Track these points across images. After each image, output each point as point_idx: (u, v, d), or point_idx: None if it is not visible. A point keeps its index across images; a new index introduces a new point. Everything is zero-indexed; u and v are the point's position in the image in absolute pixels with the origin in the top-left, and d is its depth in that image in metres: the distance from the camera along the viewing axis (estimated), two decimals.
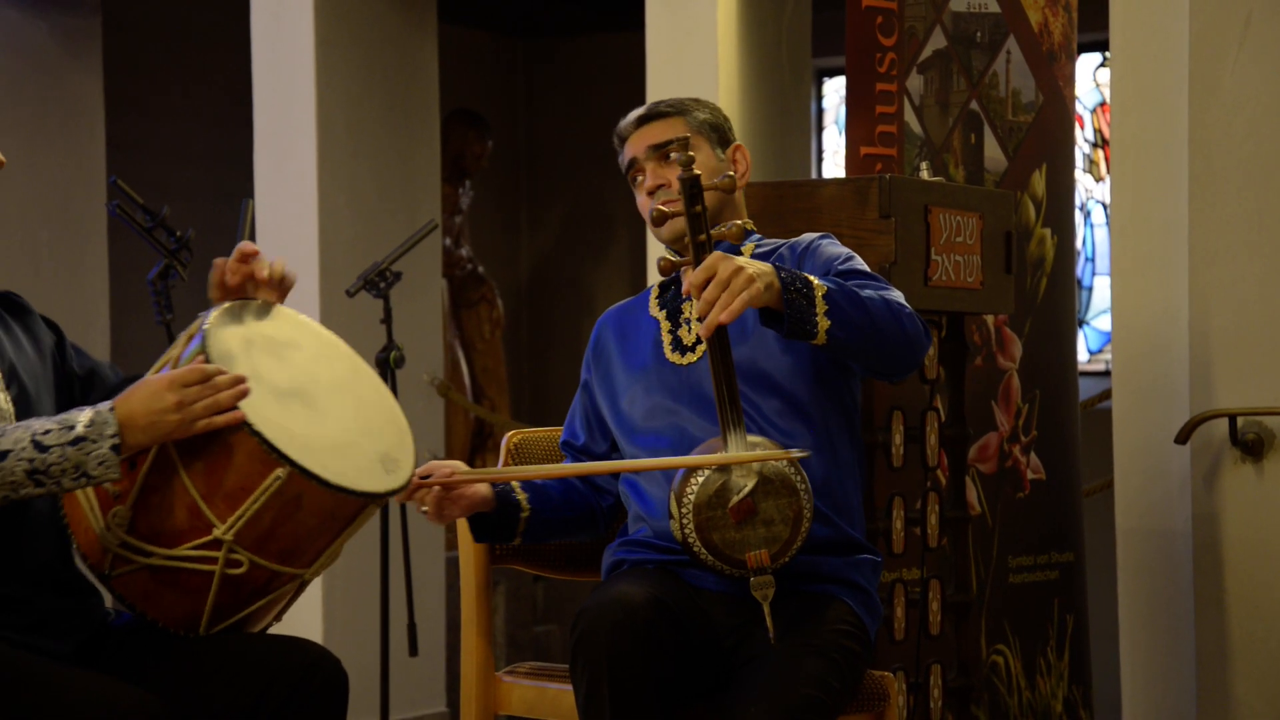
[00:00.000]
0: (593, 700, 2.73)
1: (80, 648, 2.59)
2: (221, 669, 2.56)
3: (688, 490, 2.76)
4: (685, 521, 2.76)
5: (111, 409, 2.47)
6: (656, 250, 4.74)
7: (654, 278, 4.69)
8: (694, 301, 2.79)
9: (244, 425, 2.48)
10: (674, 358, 3.02)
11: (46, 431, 2.45)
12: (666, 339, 3.05)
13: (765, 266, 2.73)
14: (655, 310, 3.10)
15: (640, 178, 3.06)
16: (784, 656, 2.78)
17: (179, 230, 4.05)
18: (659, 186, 3.03)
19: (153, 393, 2.49)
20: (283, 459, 2.48)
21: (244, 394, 2.50)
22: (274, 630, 2.72)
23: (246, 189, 5.40)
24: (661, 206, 2.90)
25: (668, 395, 3.01)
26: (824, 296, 2.76)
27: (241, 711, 2.54)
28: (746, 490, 2.76)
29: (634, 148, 3.07)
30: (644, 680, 2.73)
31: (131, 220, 4.06)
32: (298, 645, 2.60)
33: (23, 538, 2.57)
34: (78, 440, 2.44)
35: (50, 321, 2.81)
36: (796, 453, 2.79)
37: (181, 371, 2.49)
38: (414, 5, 5.70)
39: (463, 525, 3.19)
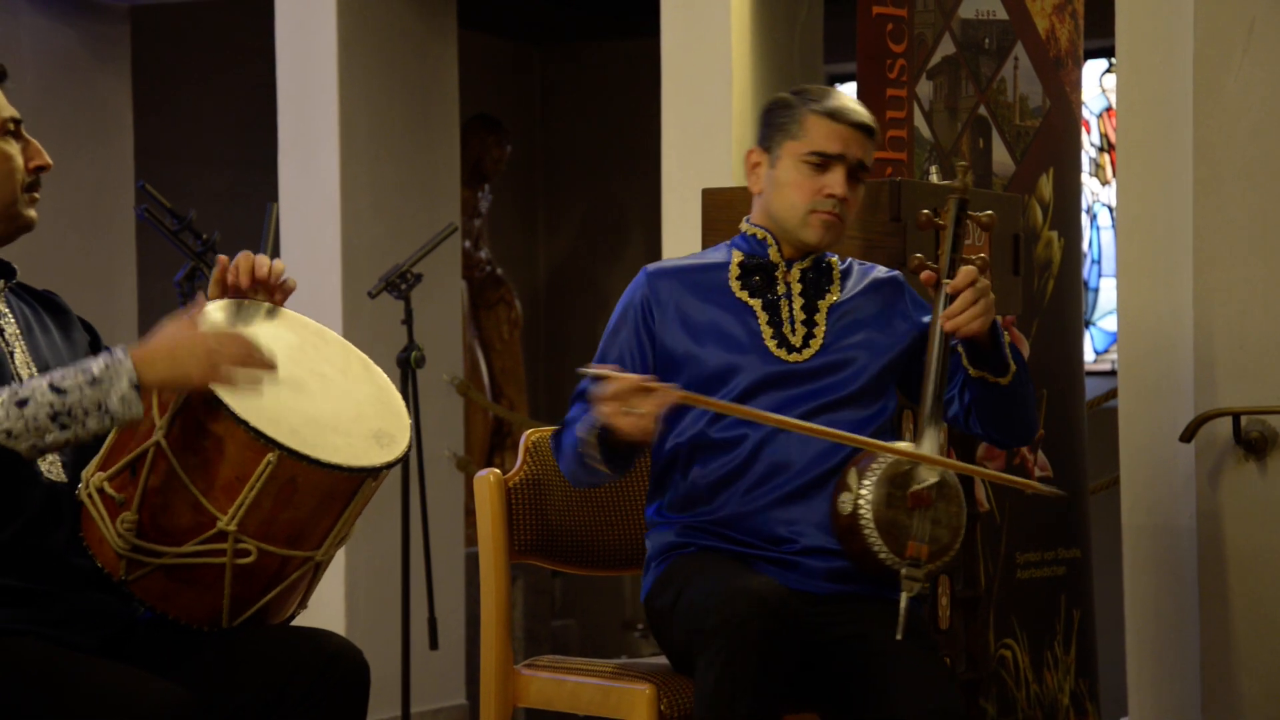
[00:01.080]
0: (726, 683, 2.69)
1: (106, 641, 2.59)
2: (246, 661, 2.56)
3: (873, 466, 2.83)
4: (863, 494, 2.82)
5: (125, 350, 2.47)
6: (673, 252, 4.74)
7: None
8: (940, 298, 2.89)
9: (231, 416, 2.47)
10: (779, 353, 3.00)
11: (64, 377, 2.45)
12: (767, 331, 3.01)
13: None
14: (741, 293, 3.04)
15: (827, 171, 2.99)
16: (919, 659, 2.81)
17: (205, 233, 4.06)
18: (843, 200, 3.00)
19: (177, 333, 2.48)
20: (271, 444, 2.47)
21: (271, 366, 2.49)
22: (300, 618, 2.71)
23: (271, 193, 5.40)
24: (938, 220, 2.97)
25: (767, 387, 2.98)
26: (1009, 345, 2.93)
27: (265, 702, 2.54)
28: (930, 483, 2.84)
29: (848, 146, 2.99)
30: (782, 673, 2.73)
31: (159, 223, 4.07)
32: (321, 637, 2.60)
33: (48, 535, 2.57)
34: (95, 380, 2.44)
35: (87, 323, 2.81)
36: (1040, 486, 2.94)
37: (223, 331, 2.51)
38: (434, 12, 5.70)
39: (484, 521, 3.19)
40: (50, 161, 2.67)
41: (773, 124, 3.05)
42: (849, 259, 3.13)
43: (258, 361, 2.49)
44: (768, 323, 3.01)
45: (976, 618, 3.73)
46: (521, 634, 6.65)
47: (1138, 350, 4.07)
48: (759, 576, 2.79)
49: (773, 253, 3.05)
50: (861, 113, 3.04)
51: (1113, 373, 6.66)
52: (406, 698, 4.73)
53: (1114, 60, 4.46)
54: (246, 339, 2.51)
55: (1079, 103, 4.43)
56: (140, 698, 2.39)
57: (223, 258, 2.68)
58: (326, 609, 5.27)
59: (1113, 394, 5.09)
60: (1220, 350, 3.90)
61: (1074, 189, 4.43)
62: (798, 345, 3.00)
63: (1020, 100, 4.24)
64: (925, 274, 2.91)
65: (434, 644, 4.76)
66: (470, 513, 5.90)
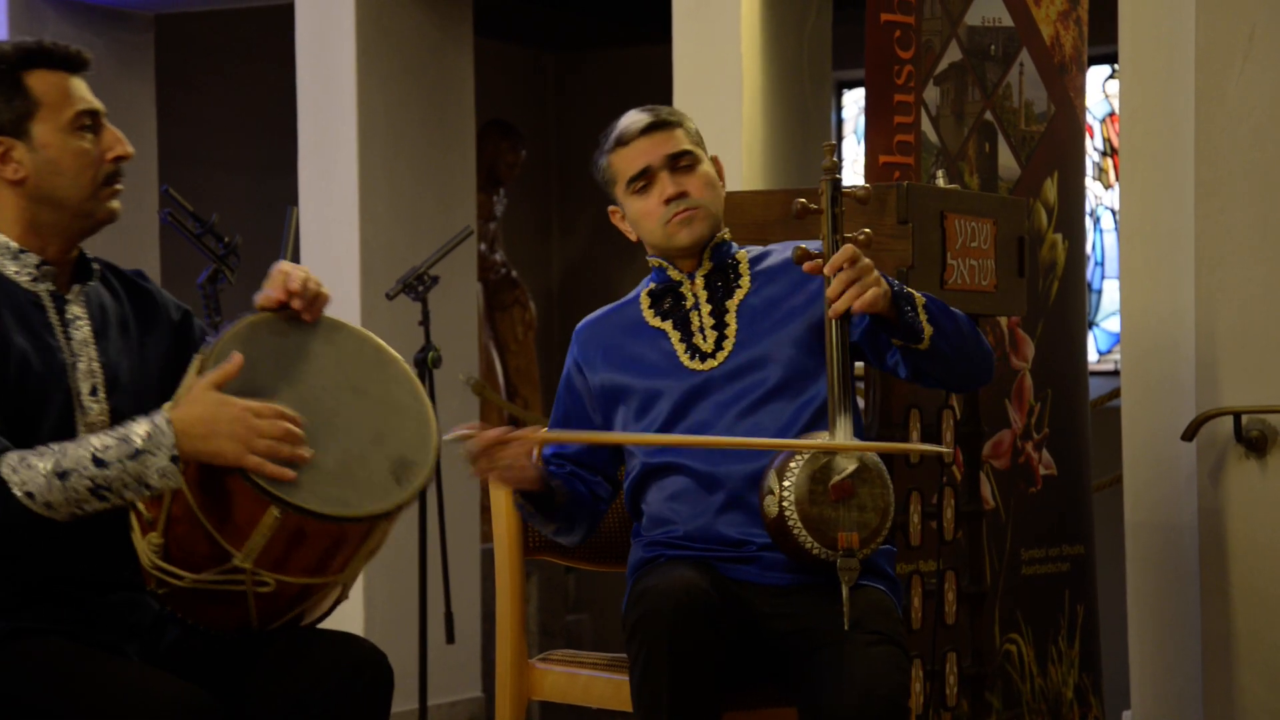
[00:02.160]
0: (648, 677, 2.70)
1: (134, 640, 2.57)
2: (274, 663, 2.53)
3: (790, 465, 2.78)
4: (785, 495, 2.78)
5: (168, 420, 2.41)
6: None
7: None
8: (827, 285, 2.82)
9: (238, 471, 2.40)
10: (694, 365, 2.98)
11: (106, 448, 2.40)
12: (679, 348, 3.00)
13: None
14: (654, 320, 3.05)
15: (652, 185, 3.00)
16: (863, 645, 2.77)
17: (227, 236, 4.06)
18: (681, 194, 2.99)
19: (218, 405, 2.40)
20: (274, 500, 2.40)
21: (305, 460, 2.40)
22: (338, 609, 2.68)
23: (291, 197, 5.40)
24: (812, 205, 2.89)
25: (692, 400, 2.97)
26: (923, 306, 2.87)
27: (293, 704, 2.51)
28: (849, 471, 2.79)
29: (648, 156, 3.00)
30: (701, 661, 2.71)
31: (182, 227, 4.07)
32: (348, 642, 2.57)
33: (80, 539, 2.54)
34: (137, 454, 2.40)
35: (181, 307, 2.71)
36: (929, 447, 2.96)
37: (264, 405, 2.41)
38: (451, 20, 5.70)
39: (499, 518, 3.18)
40: (131, 150, 2.58)
41: (602, 184, 3.09)
42: (768, 246, 3.09)
43: (292, 445, 2.40)
44: (680, 339, 3.01)
45: (982, 613, 3.72)
46: (536, 628, 6.65)
47: (1140, 350, 4.05)
48: (682, 572, 2.78)
49: (672, 272, 3.05)
50: (640, 119, 3.04)
51: (1116, 373, 6.64)
52: (424, 691, 4.72)
53: (1117, 66, 4.44)
54: (287, 421, 2.41)
55: (1083, 108, 4.42)
56: (157, 698, 2.37)
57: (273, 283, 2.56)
58: (346, 604, 5.25)
59: (1116, 393, 5.08)
60: (1221, 350, 3.89)
61: (1078, 192, 4.42)
62: (710, 351, 2.98)
63: (1025, 105, 4.23)
64: (808, 265, 2.86)
65: (450, 638, 4.75)
66: (486, 510, 5.89)
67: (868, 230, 2.89)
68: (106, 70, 6.01)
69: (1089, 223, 6.79)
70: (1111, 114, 7.20)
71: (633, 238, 3.11)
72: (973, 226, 3.57)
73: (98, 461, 2.39)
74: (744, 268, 3.05)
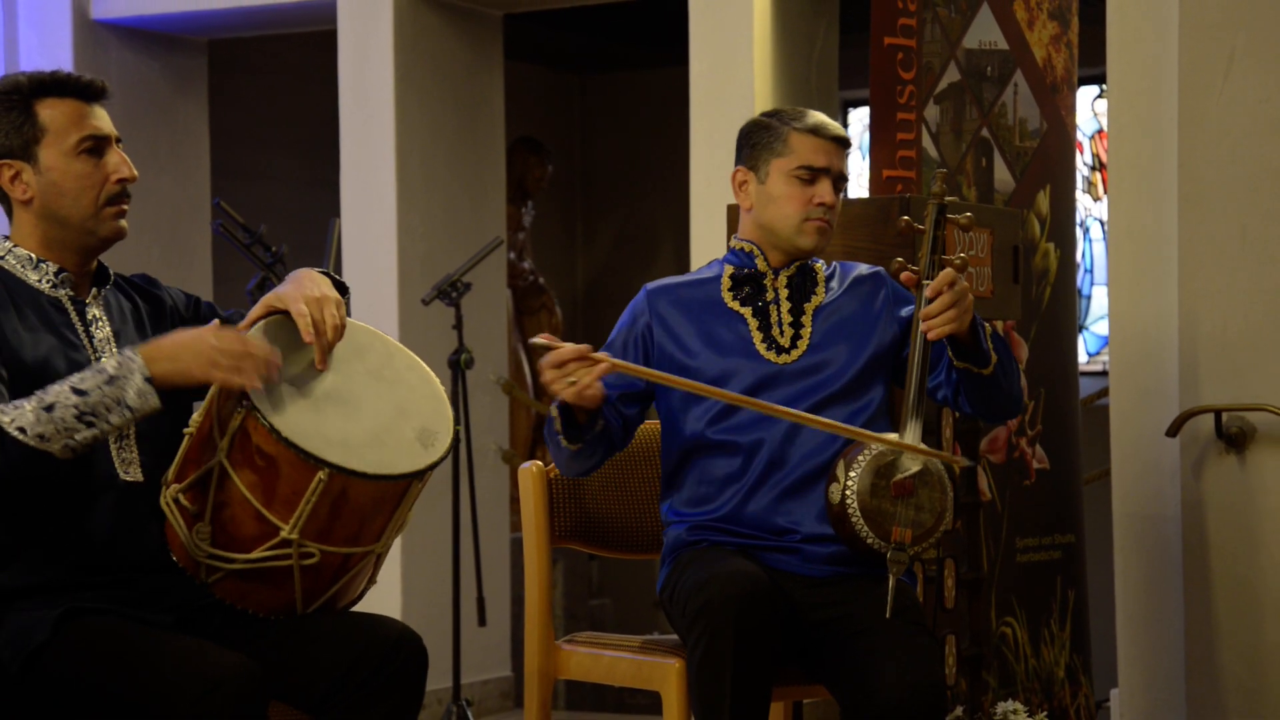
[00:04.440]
0: (709, 662, 2.68)
1: (181, 619, 2.57)
2: (315, 644, 2.53)
3: (859, 458, 2.79)
4: (849, 485, 2.78)
5: (135, 349, 2.46)
6: (700, 261, 4.72)
7: None
8: (920, 298, 2.81)
9: (281, 440, 2.44)
10: (769, 355, 2.95)
11: (83, 379, 2.43)
12: (757, 336, 2.97)
13: None
14: (732, 303, 3.00)
15: (815, 183, 2.96)
16: (905, 634, 2.76)
17: (274, 246, 4.07)
18: (831, 207, 2.97)
19: (187, 334, 2.47)
20: (320, 463, 2.44)
21: (271, 371, 2.44)
22: (369, 594, 2.68)
23: (334, 209, 5.41)
24: (918, 225, 2.89)
25: (761, 388, 2.93)
26: (990, 335, 2.87)
27: (332, 682, 2.51)
28: (912, 471, 2.80)
29: (831, 159, 2.97)
30: (762, 651, 2.70)
31: (233, 237, 4.08)
32: (385, 624, 2.57)
33: (128, 528, 2.55)
34: (111, 379, 2.43)
35: (189, 296, 2.74)
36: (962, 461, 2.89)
37: (226, 330, 2.48)
38: (483, 43, 5.70)
39: (527, 509, 3.18)
40: (134, 174, 2.61)
41: (756, 144, 3.01)
42: (834, 262, 3.09)
43: (256, 362, 2.44)
44: (758, 328, 2.97)
45: (979, 598, 3.71)
46: (561, 612, 6.65)
47: (1127, 352, 4.04)
48: (740, 562, 2.77)
49: (760, 263, 3.01)
50: (838, 128, 3.03)
51: (1104, 373, 6.62)
52: (457, 670, 4.73)
53: (1105, 87, 4.43)
54: (246, 340, 2.46)
55: (1073, 125, 4.41)
56: (212, 668, 2.38)
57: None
58: (385, 590, 5.27)
59: (1104, 393, 5.06)
60: (1203, 352, 3.88)
61: (1069, 204, 4.41)
62: (786, 346, 2.96)
63: (1020, 123, 4.22)
64: (905, 275, 2.86)
65: (482, 621, 4.76)
66: (515, 501, 5.90)
67: (963, 255, 2.87)
68: (163, 91, 6.03)
69: (1079, 233, 6.78)
70: (1100, 131, 7.19)
71: (744, 205, 3.03)
72: (971, 236, 3.56)
73: (78, 391, 2.42)
74: (820, 277, 3.04)
